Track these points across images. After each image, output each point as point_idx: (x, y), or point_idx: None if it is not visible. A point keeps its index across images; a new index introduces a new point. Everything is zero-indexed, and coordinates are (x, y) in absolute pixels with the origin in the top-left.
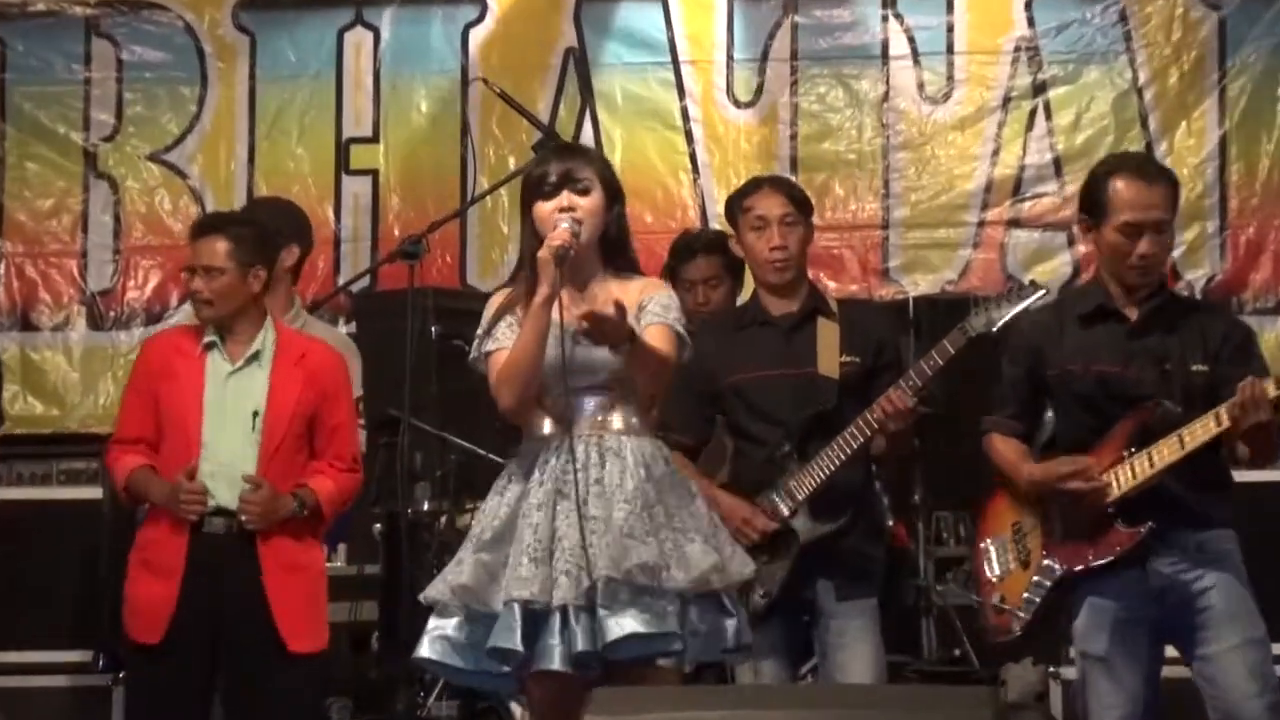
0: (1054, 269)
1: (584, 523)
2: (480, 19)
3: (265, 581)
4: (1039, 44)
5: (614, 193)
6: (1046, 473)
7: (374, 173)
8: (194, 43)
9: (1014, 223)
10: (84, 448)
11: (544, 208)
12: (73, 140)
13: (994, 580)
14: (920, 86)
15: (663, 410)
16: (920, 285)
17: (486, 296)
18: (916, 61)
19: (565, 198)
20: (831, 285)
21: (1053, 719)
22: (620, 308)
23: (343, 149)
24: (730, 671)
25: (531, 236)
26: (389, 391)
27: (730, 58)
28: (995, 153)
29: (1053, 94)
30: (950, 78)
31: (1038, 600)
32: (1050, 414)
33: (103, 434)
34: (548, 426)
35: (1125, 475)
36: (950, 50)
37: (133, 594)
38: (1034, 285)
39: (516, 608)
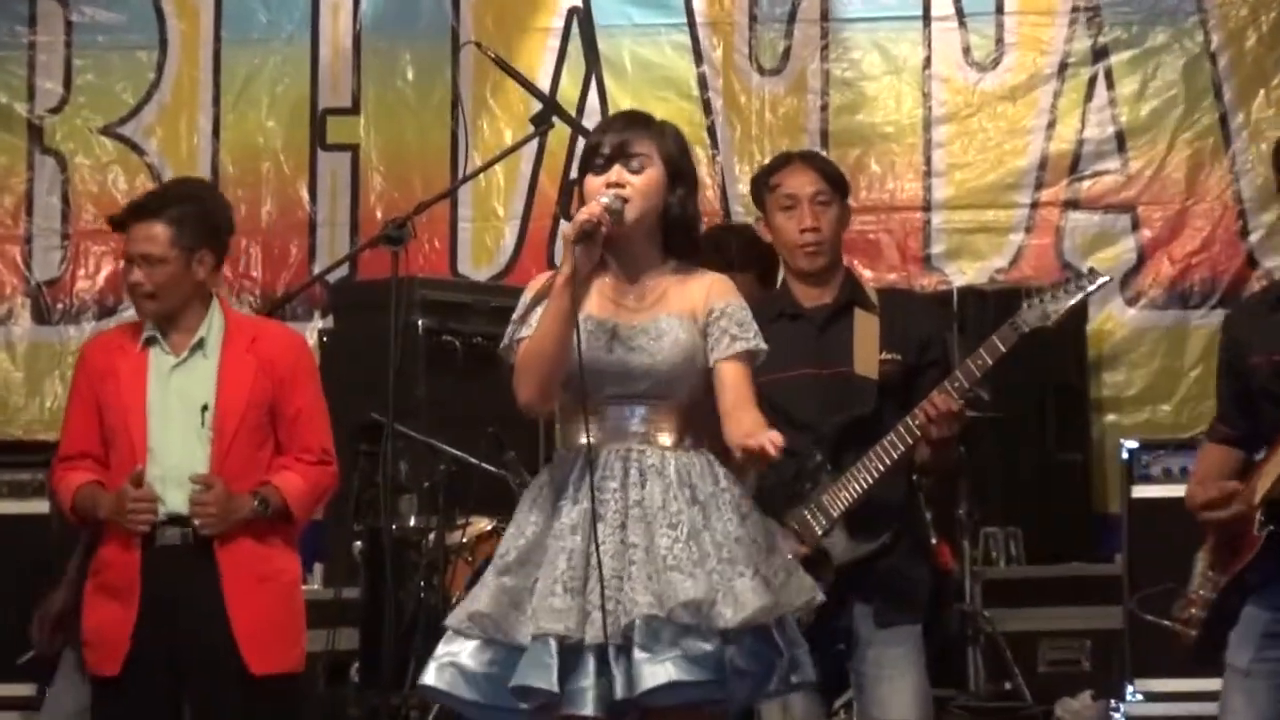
0: (1116, 255)
1: (622, 550)
2: None
3: (226, 594)
4: (1099, 3)
5: (679, 172)
6: (1189, 500)
7: (353, 148)
8: (152, 1)
9: (1071, 204)
10: (28, 456)
11: (593, 182)
12: (15, 112)
13: (1190, 595)
14: (966, 51)
15: None
16: (966, 274)
17: (479, 287)
18: (962, 23)
19: (616, 172)
20: (866, 275)
21: None
22: (770, 442)
23: (318, 121)
24: (756, 709)
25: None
26: (370, 393)
27: (753, 19)
28: (1050, 126)
29: (1115, 59)
30: (1000, 41)
31: (1204, 615)
32: None
33: (49, 441)
34: (584, 436)
35: (1269, 475)
36: (1000, 10)
37: (89, 624)
38: (1094, 273)
39: (552, 643)
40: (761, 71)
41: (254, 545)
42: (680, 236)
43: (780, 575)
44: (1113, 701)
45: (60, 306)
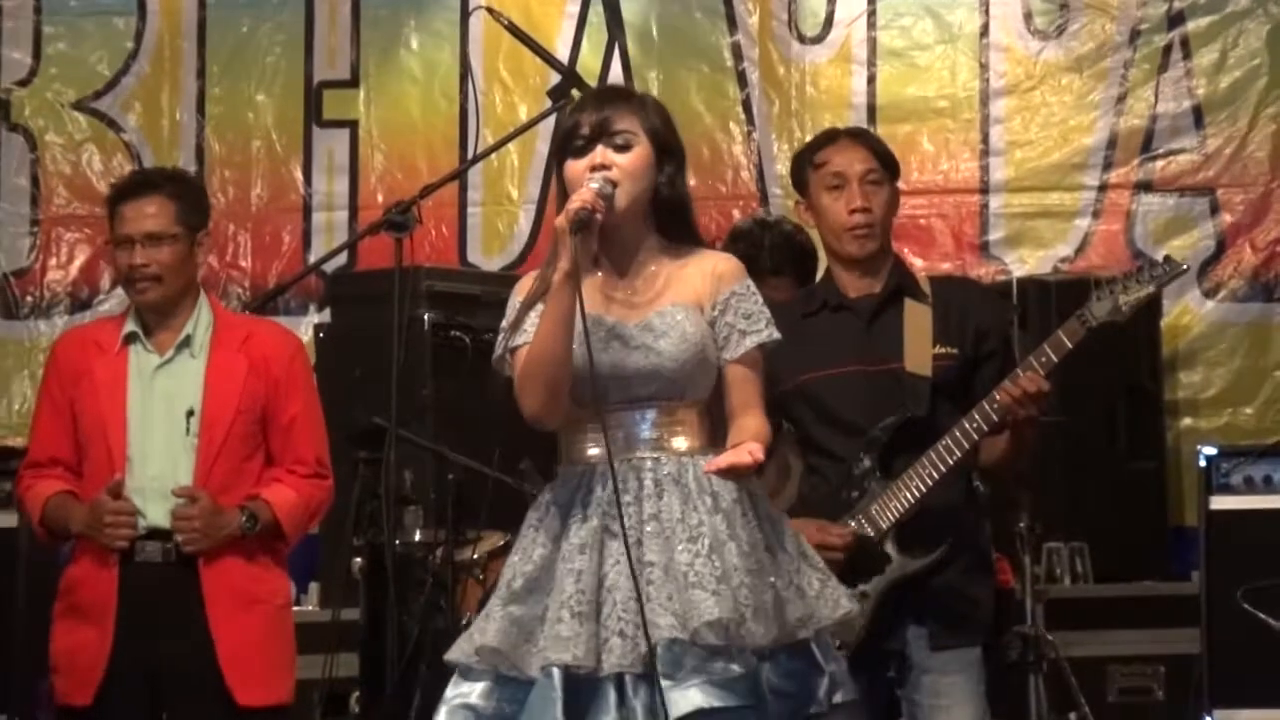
0: (1193, 242)
1: (638, 569)
2: None
3: (210, 618)
4: None
5: (666, 148)
6: None
7: (352, 124)
8: None
9: (1143, 186)
10: None
11: (575, 166)
12: None
13: None
14: (1028, 17)
15: None
16: (1027, 263)
17: (490, 277)
18: None
19: (600, 154)
20: (918, 264)
21: None
22: (744, 453)
23: (314, 95)
24: None
25: (562, 203)
26: (372, 395)
27: None
28: (1120, 100)
29: (1192, 26)
30: (1064, 6)
31: None
32: None
33: (18, 447)
34: (593, 448)
35: None
36: None
37: (59, 649)
38: (1169, 262)
39: (557, 674)
40: (802, 40)
41: (242, 565)
42: (673, 219)
43: (815, 585)
44: None
45: (29, 299)
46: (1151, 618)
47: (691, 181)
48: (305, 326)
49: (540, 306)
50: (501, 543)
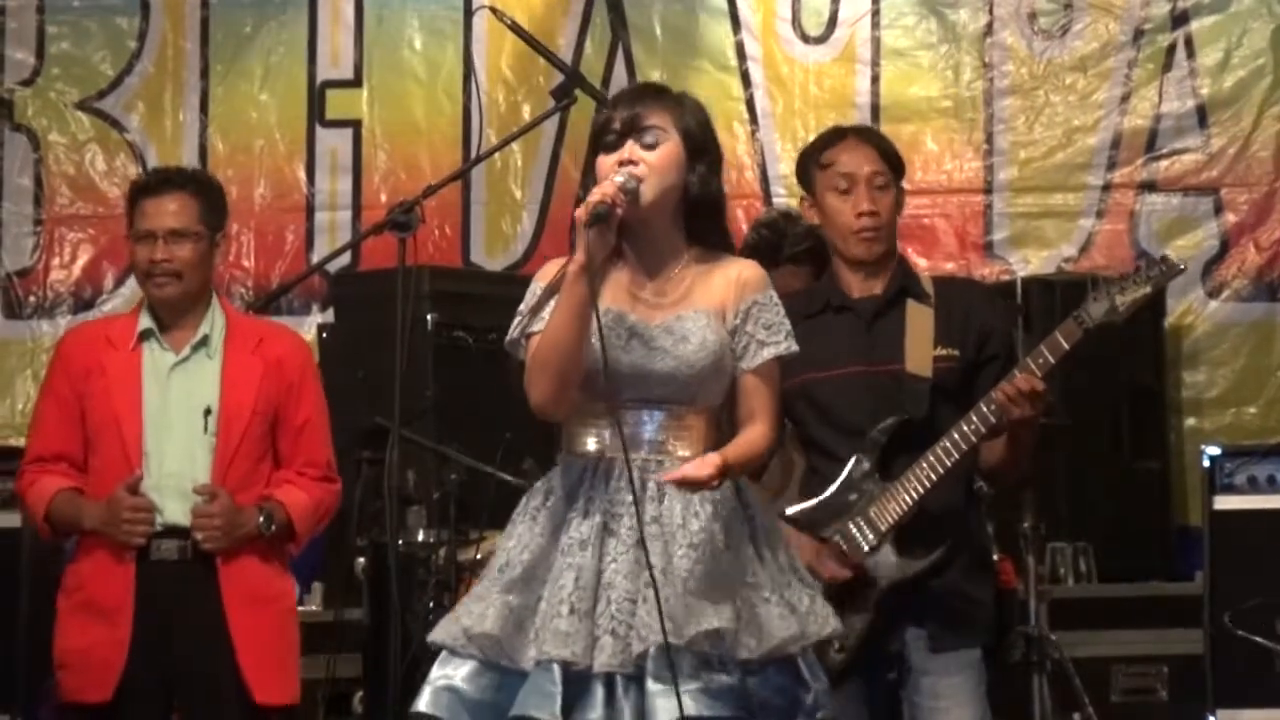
0: (1197, 242)
1: (638, 570)
2: None
3: (228, 617)
4: None
5: (699, 146)
6: None
7: (355, 124)
8: None
9: (1148, 186)
10: None
11: (604, 161)
12: None
13: None
14: (1032, 17)
15: None
16: (1030, 264)
17: (493, 277)
18: None
19: (628, 149)
20: (922, 264)
21: None
22: (706, 465)
23: (317, 95)
24: None
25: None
26: (375, 395)
27: None
28: (1124, 99)
29: (1196, 25)
30: (1069, 5)
31: None
32: None
33: (21, 447)
34: (594, 442)
35: None
36: None
37: (69, 647)
38: (1166, 262)
39: (556, 669)
40: (806, 39)
41: (257, 564)
42: (703, 220)
43: (805, 602)
44: None
45: (33, 299)
46: (1155, 618)
47: None
48: (308, 326)
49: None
50: None
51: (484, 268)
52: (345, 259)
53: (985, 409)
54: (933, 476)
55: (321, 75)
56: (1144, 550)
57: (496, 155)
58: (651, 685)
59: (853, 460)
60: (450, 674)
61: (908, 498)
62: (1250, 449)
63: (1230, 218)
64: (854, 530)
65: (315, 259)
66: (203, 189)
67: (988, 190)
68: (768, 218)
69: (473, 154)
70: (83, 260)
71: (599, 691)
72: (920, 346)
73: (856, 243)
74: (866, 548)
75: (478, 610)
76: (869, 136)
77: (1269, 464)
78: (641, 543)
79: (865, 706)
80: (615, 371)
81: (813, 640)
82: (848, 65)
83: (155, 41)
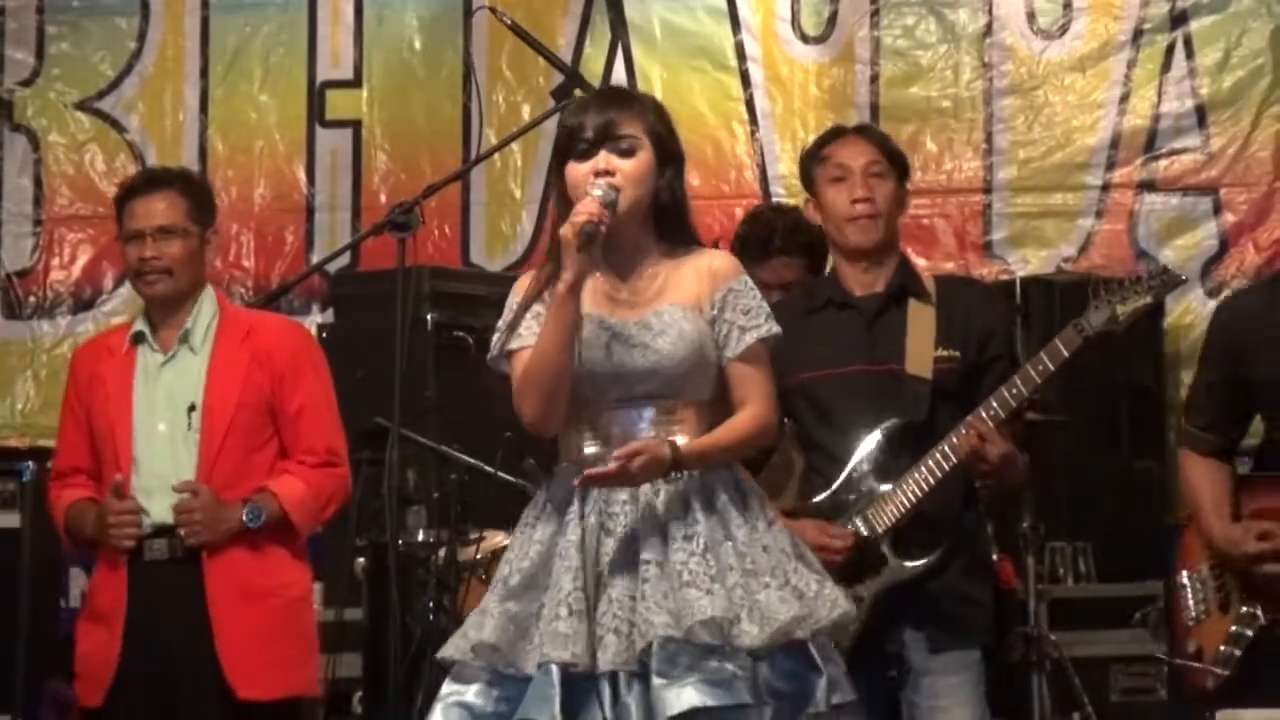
0: (1196, 242)
1: (635, 567)
2: None
3: (210, 611)
4: None
5: (668, 152)
6: (1230, 545)
7: (355, 124)
8: None
9: (1147, 185)
10: None
11: (577, 170)
12: None
13: (1189, 624)
14: (1031, 17)
15: None
16: (1030, 263)
17: (493, 277)
18: None
19: (603, 159)
20: (921, 264)
21: None
22: (639, 454)
23: (317, 95)
24: None
25: (562, 205)
26: (375, 395)
27: None
28: (1123, 99)
29: (1195, 25)
30: (1068, 6)
31: (1237, 653)
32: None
33: (21, 448)
34: (589, 446)
35: None
36: None
37: (80, 653)
38: (1167, 273)
39: (555, 670)
40: (805, 39)
41: (248, 557)
42: (672, 222)
43: (813, 586)
44: None
45: (32, 299)
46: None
47: (695, 181)
48: (308, 326)
49: (538, 309)
50: (504, 542)
51: (484, 268)
52: (345, 259)
53: (956, 440)
54: (931, 479)
55: (321, 76)
56: (1143, 550)
57: (496, 155)
58: (655, 680)
59: (852, 461)
60: (460, 689)
61: (906, 499)
62: (1248, 449)
63: (1229, 217)
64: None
65: (315, 259)
66: (189, 187)
67: (987, 190)
68: (757, 210)
69: (472, 154)
70: (82, 261)
71: (605, 691)
72: (921, 347)
73: (852, 230)
74: None
75: (479, 622)
76: (867, 133)
77: None
78: (637, 540)
79: (864, 706)
80: (601, 373)
81: (824, 623)
82: (847, 65)
83: (155, 42)
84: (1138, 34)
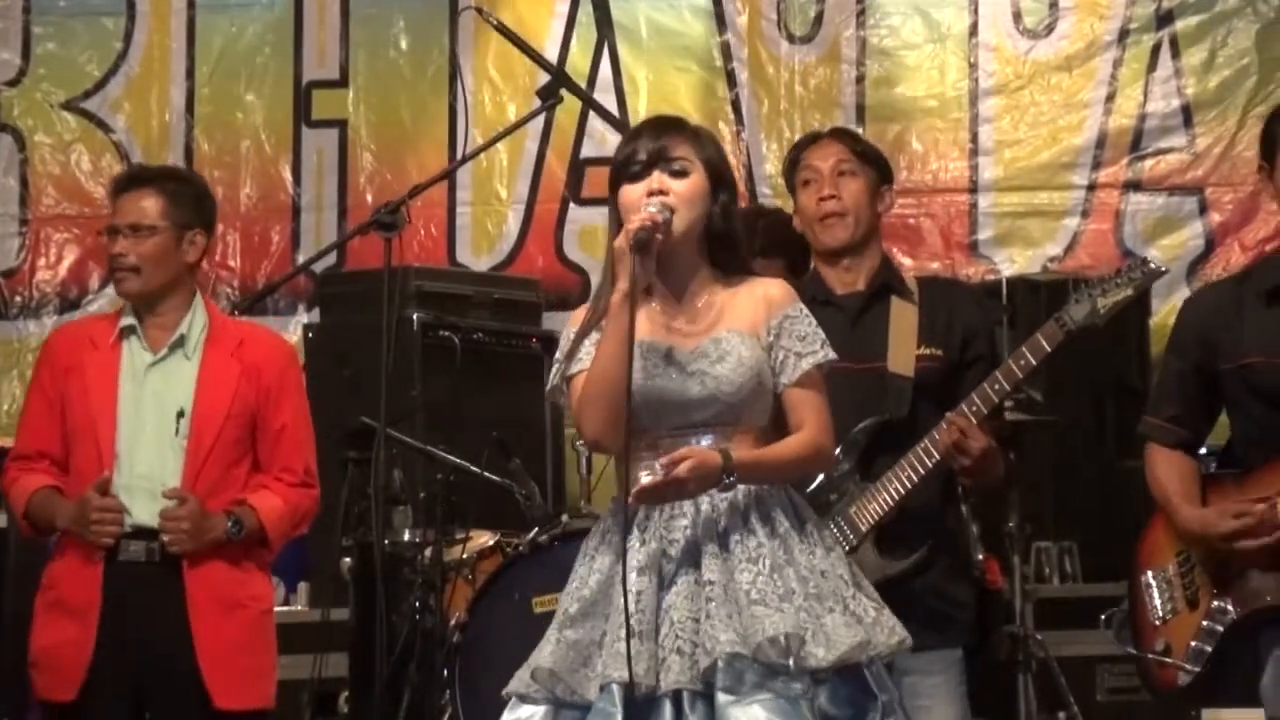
0: (1182, 241)
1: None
2: None
3: (192, 620)
4: None
5: (721, 178)
6: (1205, 526)
7: (341, 124)
8: None
9: (1132, 185)
10: None
11: (631, 191)
12: None
13: (1156, 624)
14: (1017, 16)
15: None
16: (1016, 263)
17: (479, 277)
18: None
19: (656, 179)
20: (907, 263)
21: None
22: (686, 459)
23: (303, 95)
24: None
25: (616, 230)
26: (361, 395)
27: None
28: (1109, 99)
29: (1181, 25)
30: (1054, 5)
31: (1208, 649)
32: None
33: (8, 447)
34: (646, 474)
35: None
36: None
37: (41, 645)
38: (1145, 264)
39: (616, 690)
40: (791, 39)
41: (226, 568)
42: (725, 249)
43: (870, 613)
44: None
45: (19, 299)
46: None
47: None
48: (294, 326)
49: (595, 335)
50: (490, 542)
51: (470, 267)
52: (331, 259)
53: (936, 437)
54: (913, 477)
55: (307, 76)
56: (1129, 549)
57: (482, 155)
58: (721, 697)
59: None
60: (522, 717)
61: (888, 498)
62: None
63: (1215, 217)
64: (834, 530)
65: (301, 259)
66: (173, 187)
67: (973, 190)
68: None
69: (458, 154)
70: (68, 260)
71: (668, 711)
72: (903, 345)
73: (821, 230)
74: (847, 548)
75: (539, 650)
76: (839, 134)
77: None
78: (699, 563)
79: (846, 705)
80: (658, 400)
81: (882, 651)
82: (833, 65)
83: (141, 42)
84: (1124, 34)
